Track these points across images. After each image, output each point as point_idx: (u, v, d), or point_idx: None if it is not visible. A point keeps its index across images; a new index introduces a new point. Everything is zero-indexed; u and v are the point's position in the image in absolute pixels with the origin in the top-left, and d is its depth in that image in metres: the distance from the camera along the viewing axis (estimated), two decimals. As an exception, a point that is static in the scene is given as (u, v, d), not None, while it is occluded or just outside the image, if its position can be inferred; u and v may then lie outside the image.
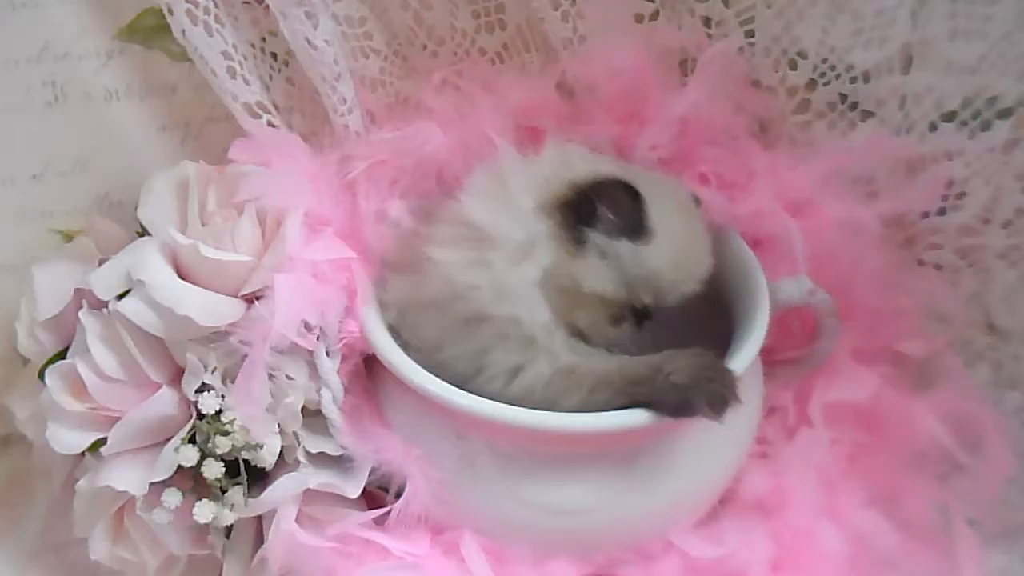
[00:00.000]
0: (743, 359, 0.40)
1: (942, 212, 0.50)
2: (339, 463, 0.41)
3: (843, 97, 0.49)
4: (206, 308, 0.40)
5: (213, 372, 0.40)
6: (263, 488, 0.40)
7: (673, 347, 0.39)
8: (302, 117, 0.52)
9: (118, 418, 0.40)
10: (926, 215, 0.50)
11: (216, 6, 0.46)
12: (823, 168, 0.48)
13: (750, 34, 0.49)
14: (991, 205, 0.49)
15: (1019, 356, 0.52)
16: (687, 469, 0.41)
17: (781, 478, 0.43)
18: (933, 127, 0.48)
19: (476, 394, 0.38)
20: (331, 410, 0.41)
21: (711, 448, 0.42)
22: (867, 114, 0.49)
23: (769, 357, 0.46)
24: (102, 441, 0.40)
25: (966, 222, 0.50)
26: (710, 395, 0.37)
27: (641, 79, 0.49)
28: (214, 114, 0.51)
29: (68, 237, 0.50)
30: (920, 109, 0.47)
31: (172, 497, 0.39)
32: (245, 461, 0.40)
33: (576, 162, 0.42)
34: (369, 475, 0.41)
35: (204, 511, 0.39)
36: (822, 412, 0.46)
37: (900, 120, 0.48)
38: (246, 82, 0.48)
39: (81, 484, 0.42)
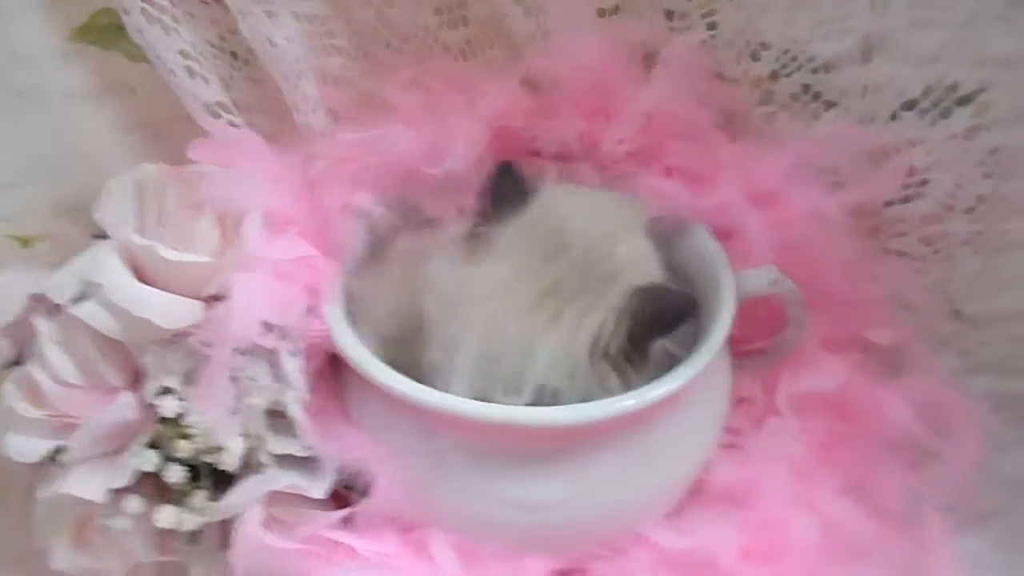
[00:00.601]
0: (709, 348, 0.40)
1: (906, 200, 0.50)
2: (305, 464, 0.41)
3: (806, 88, 0.49)
4: (165, 310, 0.39)
5: (173, 375, 0.39)
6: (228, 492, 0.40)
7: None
8: (264, 116, 0.51)
9: (77, 425, 0.39)
10: (890, 203, 0.51)
11: (172, 5, 0.45)
12: (789, 160, 0.48)
13: (712, 26, 0.49)
14: (954, 192, 0.49)
15: (985, 342, 0.53)
16: (657, 462, 0.41)
17: (750, 468, 0.43)
18: (895, 116, 0.48)
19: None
20: (296, 411, 0.40)
21: (681, 440, 0.42)
22: (830, 104, 0.49)
23: (738, 348, 0.47)
24: (62, 448, 0.40)
25: (930, 210, 0.50)
26: None
27: (607, 74, 0.49)
28: (175, 114, 0.50)
29: (25, 242, 0.49)
30: (882, 98, 0.48)
31: (134, 504, 0.38)
32: (208, 464, 0.39)
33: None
34: (336, 475, 0.41)
35: (167, 516, 0.38)
36: (790, 401, 0.46)
37: (862, 109, 0.48)
38: (205, 81, 0.47)
39: (41, 493, 0.41)
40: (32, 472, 0.44)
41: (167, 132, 0.51)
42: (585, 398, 0.38)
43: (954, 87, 0.46)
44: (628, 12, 0.51)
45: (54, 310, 0.40)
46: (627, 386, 0.39)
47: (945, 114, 0.47)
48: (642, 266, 0.42)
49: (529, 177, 0.43)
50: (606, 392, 0.38)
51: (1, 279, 0.43)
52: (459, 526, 0.40)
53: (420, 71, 0.50)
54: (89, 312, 0.39)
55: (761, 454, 0.44)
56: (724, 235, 0.47)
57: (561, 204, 0.43)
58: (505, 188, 0.43)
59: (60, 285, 0.40)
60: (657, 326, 0.39)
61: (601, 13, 0.51)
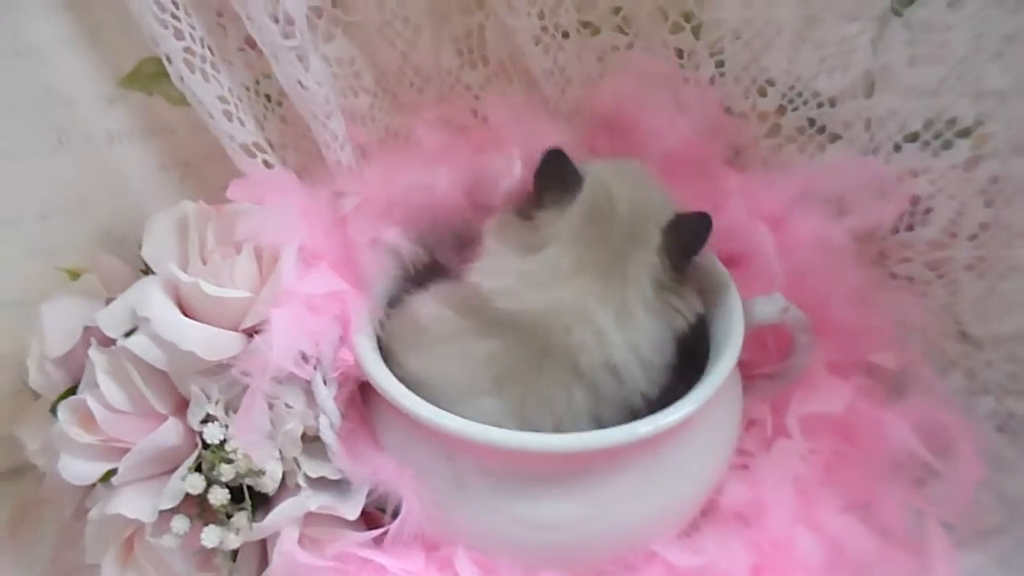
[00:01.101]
0: (720, 373, 0.42)
1: (911, 227, 0.52)
2: (338, 486, 0.43)
3: (811, 121, 0.51)
4: (208, 342, 0.42)
5: (216, 403, 0.42)
6: (266, 512, 0.42)
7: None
8: (295, 153, 0.54)
9: (127, 449, 0.42)
10: (896, 230, 0.53)
11: (212, 53, 0.48)
12: (794, 188, 0.50)
13: (720, 64, 0.51)
14: (957, 219, 0.51)
15: (991, 363, 0.54)
16: (669, 483, 0.43)
17: (759, 488, 0.45)
18: (898, 147, 0.50)
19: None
20: (329, 436, 0.43)
21: (693, 462, 0.44)
22: (835, 136, 0.51)
23: (747, 372, 0.49)
24: (112, 471, 0.42)
25: (934, 236, 0.52)
26: None
27: (631, 110, 0.52)
28: (212, 153, 0.52)
29: (75, 275, 0.52)
30: (884, 131, 0.50)
31: (180, 523, 0.41)
32: (248, 487, 0.42)
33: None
34: (367, 497, 0.43)
35: (211, 536, 0.41)
36: (799, 423, 0.47)
37: (866, 142, 0.50)
38: (242, 123, 0.50)
39: (93, 513, 0.44)
40: (83, 493, 0.47)
41: (204, 170, 0.54)
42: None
43: (954, 120, 0.48)
44: (641, 50, 0.53)
45: (106, 342, 0.43)
46: (687, 305, 0.44)
47: (946, 146, 0.49)
48: (664, 209, 0.45)
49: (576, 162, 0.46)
50: (670, 324, 0.44)
51: (56, 311, 0.46)
52: (480, 544, 0.42)
53: (449, 108, 0.53)
54: (139, 345, 0.41)
55: (769, 475, 0.45)
56: (732, 262, 0.49)
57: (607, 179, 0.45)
58: (555, 173, 0.45)
59: (112, 319, 0.43)
60: (689, 248, 0.44)
61: (614, 51, 0.54)
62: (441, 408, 0.40)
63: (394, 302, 0.47)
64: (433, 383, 0.42)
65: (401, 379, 0.42)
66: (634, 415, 0.42)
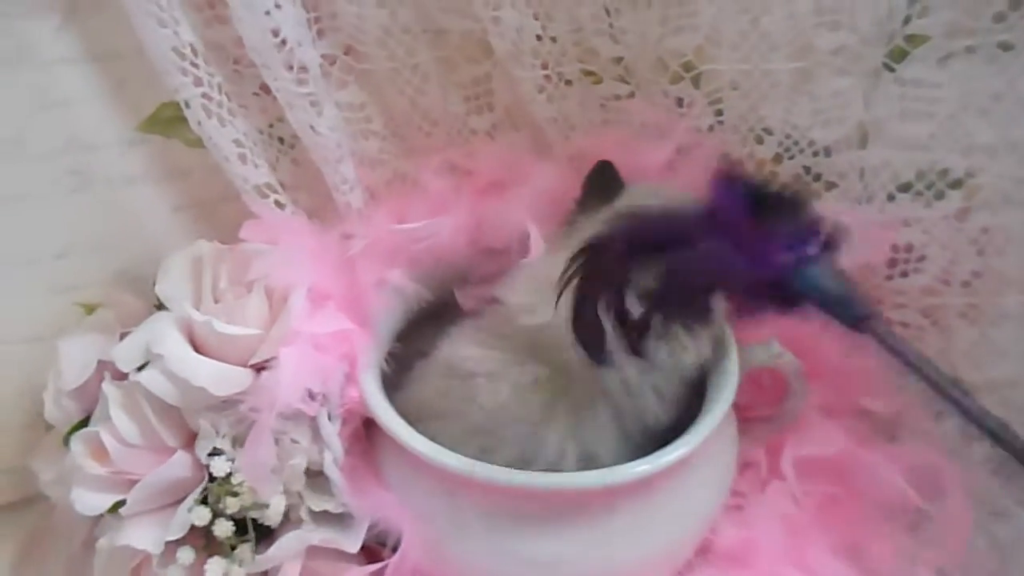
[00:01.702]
0: (715, 415, 0.43)
1: (905, 274, 0.53)
2: (340, 520, 0.44)
3: (807, 169, 0.53)
4: (218, 378, 0.43)
5: (224, 437, 0.43)
6: (269, 544, 0.43)
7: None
8: (307, 195, 0.56)
9: (136, 480, 0.43)
10: (890, 277, 0.54)
11: (228, 99, 0.50)
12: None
13: (719, 113, 0.53)
14: (949, 268, 0.52)
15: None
16: (666, 522, 0.44)
17: (753, 529, 0.45)
18: (891, 197, 0.51)
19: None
20: (332, 471, 0.44)
21: (689, 502, 0.44)
22: (831, 184, 0.53)
23: (743, 414, 0.50)
24: (121, 502, 0.44)
25: (927, 283, 0.53)
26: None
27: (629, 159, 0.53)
28: (226, 194, 0.54)
29: (90, 309, 0.54)
30: (878, 180, 0.51)
31: (186, 555, 0.42)
32: (253, 519, 0.43)
33: None
34: (368, 531, 0.44)
35: (215, 568, 0.42)
36: (793, 466, 0.48)
37: (861, 191, 0.52)
38: (255, 166, 0.52)
39: (101, 543, 0.45)
40: (91, 524, 0.48)
41: (218, 210, 0.56)
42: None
43: (945, 172, 0.49)
44: (642, 99, 0.55)
45: (120, 376, 0.45)
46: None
47: (938, 196, 0.50)
48: None
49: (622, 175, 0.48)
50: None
51: (70, 346, 0.48)
52: (479, 580, 0.43)
53: (453, 153, 0.55)
54: (151, 380, 0.43)
55: (763, 516, 0.46)
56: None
57: (641, 196, 0.47)
58: (599, 183, 0.47)
59: (127, 354, 0.44)
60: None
61: (617, 99, 0.55)
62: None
63: (400, 338, 0.49)
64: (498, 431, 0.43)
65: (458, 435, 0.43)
66: (648, 434, 0.43)
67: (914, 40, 0.46)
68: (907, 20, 0.46)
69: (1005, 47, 0.45)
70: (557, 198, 0.51)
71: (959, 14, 0.45)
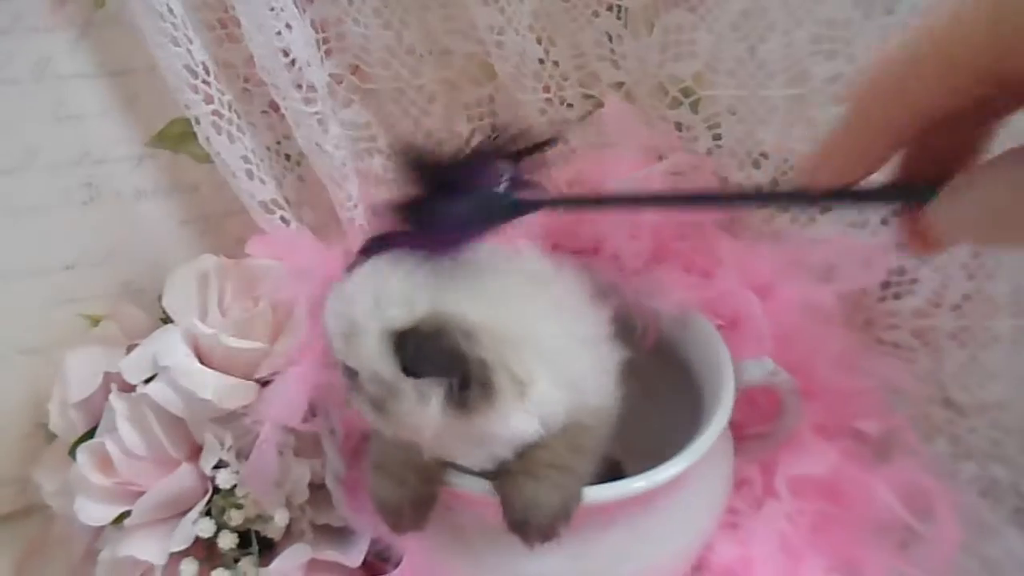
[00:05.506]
0: (711, 433, 0.44)
1: (897, 296, 0.55)
2: (341, 534, 0.45)
3: (801, 193, 0.54)
4: (224, 391, 0.44)
5: (229, 450, 0.44)
6: (272, 557, 0.44)
7: (639, 422, 0.43)
8: (312, 211, 0.57)
9: (140, 492, 0.44)
10: (883, 299, 0.55)
11: (238, 116, 0.51)
12: (785, 257, 0.53)
13: (717, 137, 0.54)
14: (940, 291, 0.53)
15: (974, 429, 0.56)
16: (662, 539, 0.44)
17: (748, 547, 0.46)
18: (884, 221, 0.52)
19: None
20: (334, 485, 0.45)
21: (684, 519, 0.45)
22: (825, 208, 0.54)
23: (738, 432, 0.50)
24: (125, 514, 0.44)
25: (919, 306, 0.54)
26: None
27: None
28: (231, 209, 0.55)
29: (95, 321, 0.54)
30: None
31: (189, 567, 0.43)
32: (256, 532, 0.44)
33: None
34: (369, 546, 0.45)
35: (218, 579, 0.43)
36: (787, 484, 0.49)
37: (855, 214, 0.53)
38: (262, 182, 0.53)
39: (104, 554, 0.45)
40: (92, 535, 0.48)
41: (223, 225, 0.57)
42: None
43: (936, 199, 0.51)
44: (642, 123, 0.56)
45: (127, 388, 0.45)
46: None
47: (930, 222, 0.51)
48: None
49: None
50: None
51: (77, 358, 0.48)
52: (476, 596, 0.44)
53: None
54: (158, 391, 0.44)
55: (758, 534, 0.47)
56: (723, 325, 0.51)
57: None
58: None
59: (134, 366, 0.45)
60: None
61: (617, 123, 0.56)
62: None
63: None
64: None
65: None
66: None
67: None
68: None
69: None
70: (552, 221, 0.52)
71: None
